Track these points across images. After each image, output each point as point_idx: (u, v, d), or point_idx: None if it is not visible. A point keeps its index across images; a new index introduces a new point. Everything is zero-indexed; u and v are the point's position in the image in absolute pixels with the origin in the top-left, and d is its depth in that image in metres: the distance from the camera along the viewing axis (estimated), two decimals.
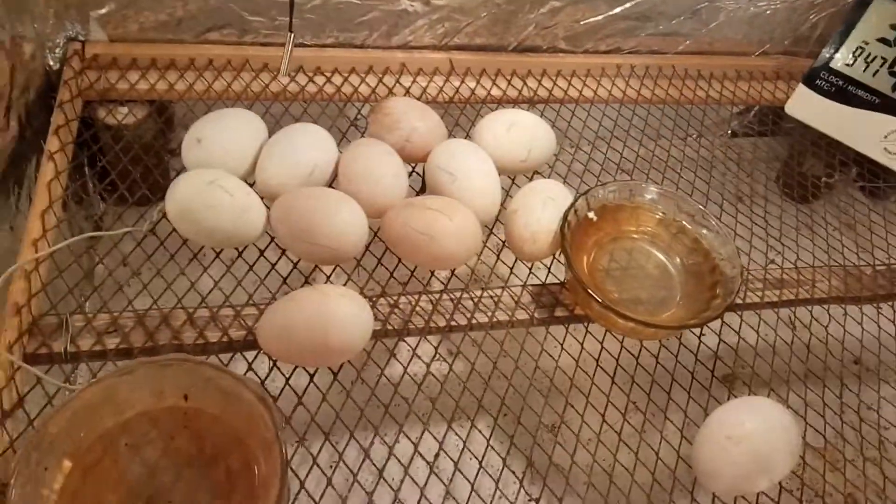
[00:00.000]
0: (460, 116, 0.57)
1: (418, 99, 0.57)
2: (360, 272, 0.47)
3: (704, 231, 0.47)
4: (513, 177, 0.53)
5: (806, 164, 0.69)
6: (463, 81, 0.59)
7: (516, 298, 0.46)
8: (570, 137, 0.59)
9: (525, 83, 0.61)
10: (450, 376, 0.44)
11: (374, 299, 0.44)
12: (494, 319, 0.45)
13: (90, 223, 0.57)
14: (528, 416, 0.43)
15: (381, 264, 0.47)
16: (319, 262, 0.44)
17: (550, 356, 0.45)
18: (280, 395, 0.40)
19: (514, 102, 0.60)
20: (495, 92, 0.59)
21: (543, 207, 0.46)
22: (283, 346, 0.39)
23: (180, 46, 0.55)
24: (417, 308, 0.44)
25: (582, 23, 0.61)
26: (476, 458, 0.40)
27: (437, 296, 0.45)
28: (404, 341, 0.51)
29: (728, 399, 0.42)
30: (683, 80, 0.64)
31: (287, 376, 0.40)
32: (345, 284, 0.44)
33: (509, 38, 0.61)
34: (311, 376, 0.41)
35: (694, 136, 0.67)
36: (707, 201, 0.57)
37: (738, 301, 0.49)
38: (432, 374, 0.43)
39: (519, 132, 0.51)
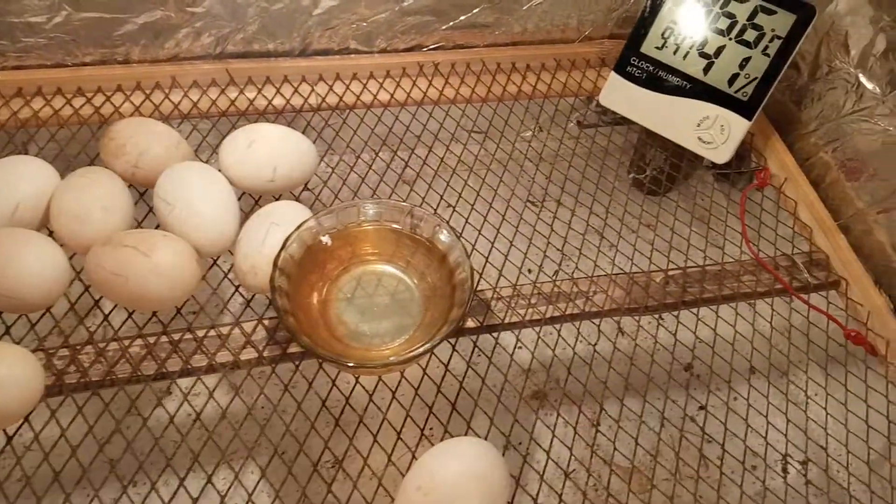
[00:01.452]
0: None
1: (186, 115, 0.54)
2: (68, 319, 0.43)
3: (445, 241, 0.43)
4: (257, 197, 0.49)
5: (648, 155, 0.64)
6: (241, 92, 0.55)
7: (248, 335, 0.43)
8: (371, 145, 0.55)
9: (314, 89, 0.56)
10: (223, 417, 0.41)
11: (52, 351, 0.40)
12: (216, 362, 0.42)
13: None
14: (308, 454, 0.40)
15: (98, 307, 0.43)
16: (5, 310, 0.41)
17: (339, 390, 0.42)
18: None
19: (300, 111, 0.55)
20: (278, 101, 0.55)
21: (267, 235, 0.42)
22: None
23: None
24: (128, 354, 0.41)
25: (368, 21, 0.56)
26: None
27: (153, 338, 0.42)
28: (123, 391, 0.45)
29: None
30: (494, 74, 0.60)
31: None
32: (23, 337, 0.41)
33: (293, 43, 0.56)
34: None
35: (532, 131, 0.63)
36: (540, 202, 0.52)
37: (497, 321, 0.45)
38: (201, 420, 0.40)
39: (262, 149, 0.47)
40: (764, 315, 0.50)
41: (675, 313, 0.47)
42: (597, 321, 0.46)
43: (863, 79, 0.50)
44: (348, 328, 0.42)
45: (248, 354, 0.42)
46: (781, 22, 0.50)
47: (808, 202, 0.53)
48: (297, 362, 0.43)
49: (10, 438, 0.39)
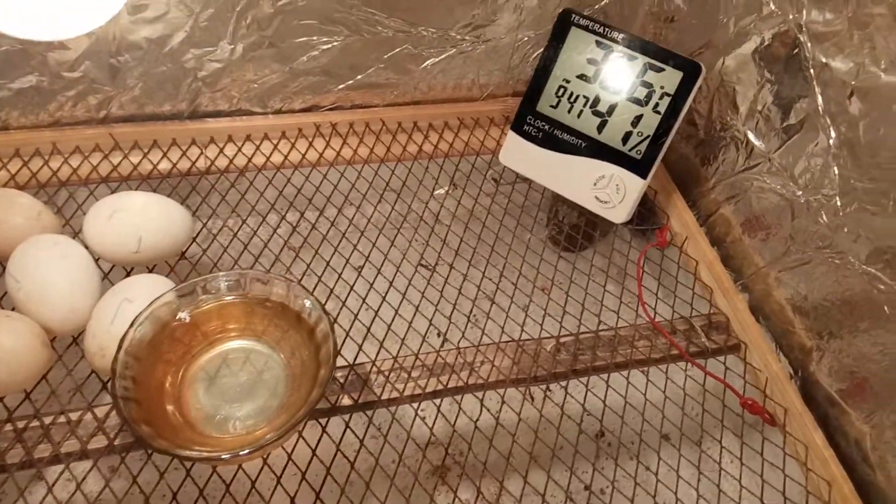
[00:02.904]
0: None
1: (64, 182, 0.52)
2: None
3: (312, 315, 0.40)
4: (129, 269, 0.46)
5: (562, 212, 0.63)
6: (126, 157, 0.53)
7: (100, 420, 0.40)
8: (259, 210, 0.53)
9: (203, 151, 0.55)
10: None
11: None
12: (61, 452, 0.39)
13: None
14: None
15: None
16: None
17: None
18: None
19: (185, 175, 0.53)
20: (164, 165, 0.53)
21: (117, 314, 0.40)
22: None
23: None
24: None
25: (258, 83, 0.55)
26: None
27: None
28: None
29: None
30: (394, 134, 0.59)
31: None
32: None
33: (180, 105, 0.55)
34: None
35: (446, 189, 0.61)
36: (432, 266, 0.50)
37: (374, 397, 0.42)
38: None
39: (125, 219, 0.44)
40: (677, 381, 0.47)
41: (564, 383, 0.45)
42: (480, 395, 0.44)
43: (751, 136, 0.49)
44: (203, 412, 0.39)
45: (99, 443, 0.39)
46: (669, 79, 0.49)
47: (707, 262, 0.52)
48: (149, 451, 0.40)
49: None
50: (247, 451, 0.36)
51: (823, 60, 0.41)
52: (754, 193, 0.49)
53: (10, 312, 0.40)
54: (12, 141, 0.52)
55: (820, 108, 0.42)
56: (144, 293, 0.41)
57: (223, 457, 0.36)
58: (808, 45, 0.42)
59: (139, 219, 0.45)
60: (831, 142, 0.41)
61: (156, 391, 0.39)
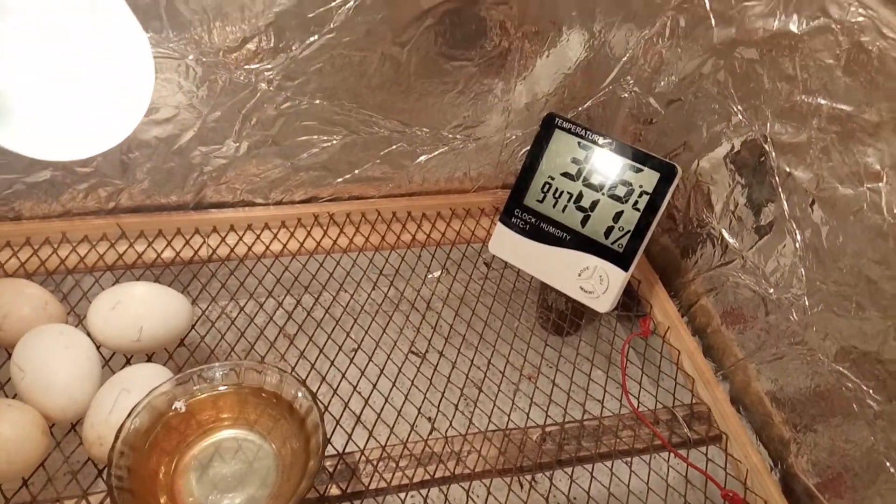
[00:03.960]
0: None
1: (71, 270, 0.54)
2: None
3: (303, 405, 0.42)
4: (129, 357, 0.48)
5: (550, 298, 0.65)
6: (131, 245, 0.56)
7: None
8: (257, 297, 0.55)
9: (205, 240, 0.57)
10: None
11: None
12: None
13: None
14: None
15: None
16: None
17: None
18: None
19: (188, 263, 0.56)
20: (168, 254, 0.56)
21: (116, 403, 0.41)
22: None
23: None
24: None
25: (260, 177, 0.58)
26: None
27: None
28: None
29: None
30: (389, 224, 0.61)
31: None
32: None
33: (186, 197, 0.58)
34: None
35: (438, 275, 0.64)
36: (440, 348, 0.52)
37: (362, 487, 0.43)
38: None
39: (127, 309, 0.47)
40: (659, 471, 0.48)
41: (549, 473, 0.46)
42: (466, 485, 0.44)
43: (725, 234, 0.51)
44: (193, 502, 0.40)
45: None
46: (647, 179, 0.52)
47: (689, 352, 0.54)
48: None
49: None
50: None
51: (787, 169, 0.44)
52: (730, 288, 0.51)
53: (11, 401, 0.42)
54: (24, 230, 0.55)
55: (786, 212, 0.44)
56: (142, 383, 0.42)
57: None
58: (773, 154, 0.45)
59: (140, 309, 0.47)
60: (797, 245, 0.44)
61: (150, 480, 0.40)
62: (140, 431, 0.40)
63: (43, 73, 0.40)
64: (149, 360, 0.48)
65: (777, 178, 0.45)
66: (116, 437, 0.39)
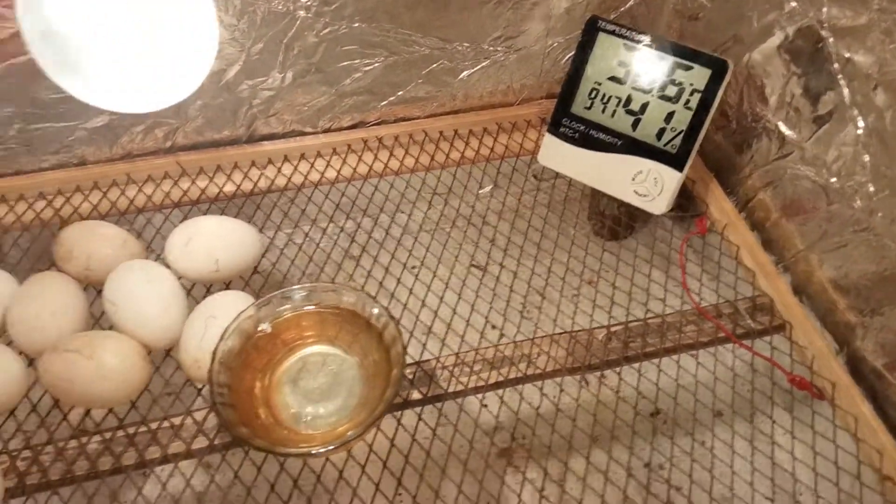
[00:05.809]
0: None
1: (141, 209, 0.56)
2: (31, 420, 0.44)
3: (378, 319, 0.44)
4: (208, 286, 0.50)
5: (602, 204, 0.66)
6: (194, 182, 0.58)
7: (199, 423, 0.44)
8: (319, 223, 0.57)
9: (263, 173, 0.59)
10: None
11: (15, 453, 0.42)
12: (169, 452, 0.43)
13: None
14: None
15: (58, 407, 0.45)
16: None
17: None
18: None
19: (250, 195, 0.58)
20: (229, 188, 0.57)
21: (205, 328, 0.44)
22: None
23: None
24: (86, 451, 0.42)
25: (308, 105, 0.58)
26: None
27: (109, 434, 0.43)
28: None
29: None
30: (437, 143, 0.62)
31: None
32: None
33: (239, 131, 0.59)
34: None
35: (489, 189, 0.65)
36: (483, 266, 0.54)
37: (441, 391, 0.46)
38: None
39: (201, 244, 0.49)
40: (725, 362, 0.50)
41: (617, 370, 0.48)
42: (539, 384, 0.47)
43: (782, 126, 0.51)
44: (291, 412, 0.43)
45: (200, 443, 0.44)
46: (698, 76, 0.52)
47: (748, 246, 0.54)
48: (246, 449, 0.44)
49: None
50: (334, 447, 0.40)
51: (847, 55, 0.43)
52: (789, 180, 0.51)
53: (110, 332, 0.45)
54: (91, 175, 0.57)
55: (846, 99, 0.44)
56: (226, 309, 0.45)
57: (314, 452, 0.40)
58: (831, 39, 0.44)
59: (214, 241, 0.49)
60: (860, 132, 0.43)
61: (247, 396, 0.43)
62: (233, 352, 0.43)
63: (113, 23, 0.40)
64: (227, 287, 0.50)
65: (836, 65, 0.44)
66: (213, 358, 0.41)
